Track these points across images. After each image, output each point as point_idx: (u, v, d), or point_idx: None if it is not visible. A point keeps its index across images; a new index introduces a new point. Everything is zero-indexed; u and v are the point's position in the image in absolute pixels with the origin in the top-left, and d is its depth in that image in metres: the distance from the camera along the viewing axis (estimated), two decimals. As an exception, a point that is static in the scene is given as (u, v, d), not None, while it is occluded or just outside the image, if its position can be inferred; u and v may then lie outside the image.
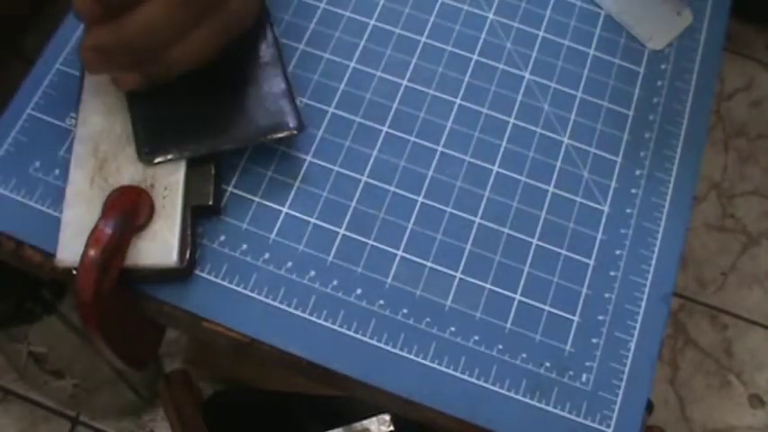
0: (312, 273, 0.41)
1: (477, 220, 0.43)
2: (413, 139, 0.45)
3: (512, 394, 0.40)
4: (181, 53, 0.37)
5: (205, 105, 0.41)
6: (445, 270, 0.42)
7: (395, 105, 0.45)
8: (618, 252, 0.43)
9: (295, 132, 0.41)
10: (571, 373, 0.41)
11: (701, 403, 1.03)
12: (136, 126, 0.40)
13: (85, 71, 0.41)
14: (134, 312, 0.42)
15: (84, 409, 0.94)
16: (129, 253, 0.38)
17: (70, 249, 0.38)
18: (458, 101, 0.46)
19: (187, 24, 0.37)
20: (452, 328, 0.41)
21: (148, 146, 0.40)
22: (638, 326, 0.42)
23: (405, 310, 0.41)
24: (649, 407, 0.41)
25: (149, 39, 0.36)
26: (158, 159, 0.40)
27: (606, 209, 0.44)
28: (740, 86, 1.20)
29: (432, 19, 0.48)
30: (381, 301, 0.41)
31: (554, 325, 0.41)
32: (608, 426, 0.40)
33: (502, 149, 0.45)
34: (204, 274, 0.41)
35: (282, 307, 0.41)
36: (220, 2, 0.37)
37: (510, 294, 0.42)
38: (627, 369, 0.41)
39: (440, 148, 0.44)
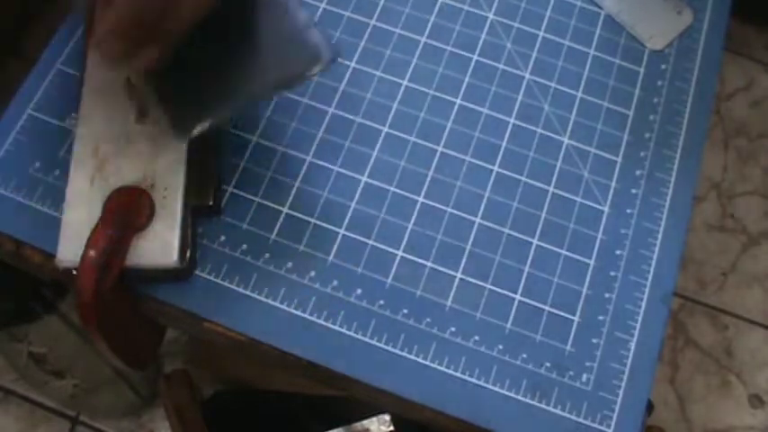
0: (312, 273, 0.41)
1: (477, 220, 0.43)
2: (413, 139, 0.45)
3: (512, 394, 0.40)
4: (188, 4, 0.35)
5: (233, 63, 0.39)
6: (445, 270, 0.42)
7: (395, 105, 0.45)
8: (618, 252, 0.43)
9: (330, 62, 0.37)
10: (571, 373, 0.41)
11: (700, 403, 1.03)
12: (167, 106, 0.39)
13: (107, 65, 0.38)
14: (134, 312, 0.42)
15: (84, 409, 0.94)
16: (130, 253, 0.38)
17: (70, 249, 0.38)
18: (458, 101, 0.46)
19: None
20: (452, 329, 0.41)
21: (184, 120, 0.38)
22: (638, 326, 0.42)
23: (405, 311, 0.41)
24: (649, 407, 0.41)
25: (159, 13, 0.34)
26: (197, 129, 0.38)
27: (606, 209, 0.44)
28: (740, 86, 1.20)
29: (432, 19, 0.48)
30: (381, 302, 0.41)
31: (554, 325, 0.41)
32: (608, 426, 0.40)
33: (502, 149, 0.45)
34: (204, 274, 0.41)
35: (282, 307, 0.41)
36: None
37: (510, 294, 0.42)
38: (627, 369, 0.41)
39: (440, 149, 0.44)
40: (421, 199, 0.43)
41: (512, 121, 0.46)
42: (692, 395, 1.03)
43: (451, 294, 0.42)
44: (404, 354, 0.40)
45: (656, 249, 0.43)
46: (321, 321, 0.41)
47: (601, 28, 0.49)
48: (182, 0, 0.35)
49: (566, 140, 0.45)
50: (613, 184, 0.45)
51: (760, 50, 1.22)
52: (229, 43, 0.39)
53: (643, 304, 0.42)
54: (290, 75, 0.38)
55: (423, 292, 0.41)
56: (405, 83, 0.46)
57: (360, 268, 0.42)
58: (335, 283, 0.41)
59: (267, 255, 0.42)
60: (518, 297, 0.42)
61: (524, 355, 0.41)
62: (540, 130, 0.45)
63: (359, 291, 0.41)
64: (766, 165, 1.16)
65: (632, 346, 0.41)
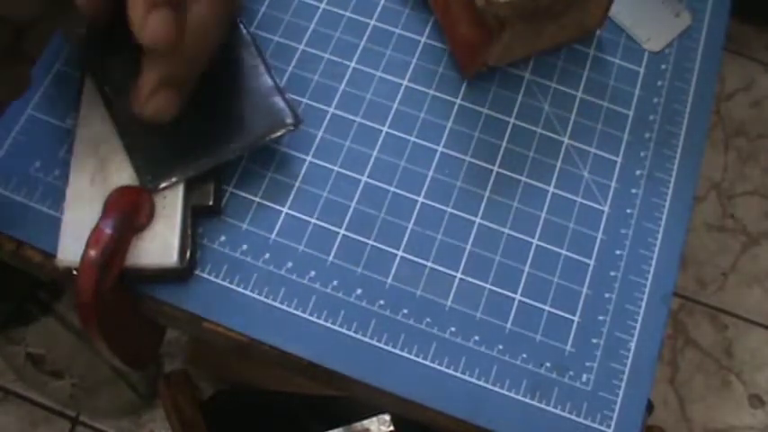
0: (312, 273, 0.41)
1: (478, 220, 0.43)
2: (413, 139, 0.45)
3: (512, 394, 0.40)
4: (208, 46, 0.36)
5: (198, 122, 0.40)
6: (445, 270, 0.42)
7: (395, 105, 0.45)
8: (618, 252, 0.43)
9: (292, 128, 0.40)
10: (571, 373, 0.41)
11: (700, 403, 1.03)
12: (133, 157, 0.40)
13: (150, 119, 0.38)
14: (134, 312, 0.42)
15: (84, 409, 0.94)
16: (130, 253, 0.38)
17: (71, 249, 0.38)
18: (458, 101, 0.46)
19: (220, 18, 0.35)
20: (453, 329, 0.41)
21: (150, 174, 0.39)
22: (638, 326, 0.42)
23: (405, 311, 0.41)
24: (649, 407, 0.41)
25: (209, 39, 0.35)
26: (163, 185, 0.39)
27: (606, 209, 0.44)
28: (740, 86, 1.20)
29: (431, 19, 0.48)
30: (381, 302, 0.41)
31: (554, 325, 0.41)
32: (608, 426, 0.40)
33: (502, 149, 0.45)
34: (204, 275, 0.41)
35: (282, 307, 0.41)
36: None
37: (510, 294, 0.42)
38: (627, 369, 0.41)
39: (440, 149, 0.44)
40: (421, 199, 0.43)
41: (512, 121, 0.46)
42: (691, 395, 1.03)
43: (451, 294, 0.42)
44: (404, 354, 0.40)
45: (656, 249, 0.43)
46: (321, 321, 0.41)
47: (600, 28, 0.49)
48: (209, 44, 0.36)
49: (566, 140, 0.45)
50: (613, 184, 0.45)
51: (760, 50, 1.23)
52: (200, 102, 0.40)
53: (643, 304, 0.42)
54: (254, 138, 0.40)
55: (423, 292, 0.41)
56: (405, 83, 0.46)
57: (360, 268, 0.42)
58: (335, 283, 0.41)
59: (267, 255, 0.42)
60: (518, 297, 0.42)
61: (524, 355, 0.41)
62: (540, 131, 0.45)
63: (359, 291, 0.41)
64: (766, 165, 1.16)
65: (632, 346, 0.41)
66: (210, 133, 0.40)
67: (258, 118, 0.40)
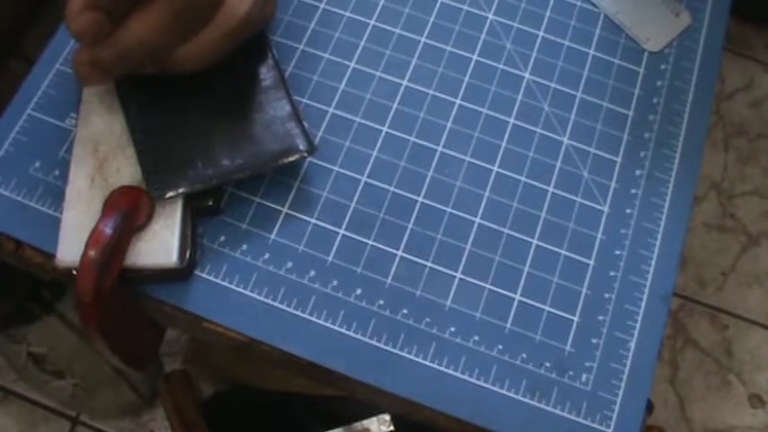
0: (312, 273, 0.41)
1: (477, 220, 0.43)
2: (413, 139, 0.45)
3: (512, 394, 0.40)
4: (187, 54, 0.37)
5: (212, 136, 0.40)
6: (445, 270, 0.42)
7: (395, 105, 0.45)
8: (618, 252, 0.43)
9: (305, 155, 0.40)
10: (571, 373, 0.41)
11: (701, 403, 1.03)
12: (144, 162, 0.40)
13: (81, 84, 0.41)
14: (134, 312, 0.42)
15: (84, 409, 0.94)
16: (129, 253, 0.38)
17: (70, 249, 0.38)
18: (458, 101, 0.46)
19: (186, 31, 0.37)
20: (452, 329, 0.41)
21: (158, 182, 0.39)
22: (638, 326, 0.42)
23: (405, 311, 0.41)
24: (649, 407, 0.41)
25: (146, 49, 0.36)
26: (169, 194, 0.39)
27: (606, 209, 0.44)
28: (740, 86, 1.20)
29: (432, 19, 0.48)
30: (381, 301, 0.41)
31: (554, 325, 0.41)
32: (608, 426, 0.40)
33: (502, 149, 0.45)
34: (204, 275, 0.41)
35: (282, 307, 0.41)
36: (216, 6, 0.37)
37: (510, 294, 0.42)
38: (627, 369, 0.41)
39: (440, 148, 0.45)
40: (421, 199, 0.43)
41: (511, 121, 0.46)
42: (691, 395, 1.03)
43: (451, 294, 0.42)
44: (404, 354, 0.40)
45: (656, 249, 0.43)
46: (321, 321, 0.41)
47: (600, 28, 0.49)
48: (176, 50, 0.37)
49: (565, 140, 0.45)
50: (613, 184, 0.45)
51: (760, 50, 1.23)
52: (213, 119, 0.41)
53: (643, 304, 0.42)
54: (265, 161, 0.40)
55: (422, 292, 0.41)
56: (405, 83, 0.46)
57: (359, 268, 0.42)
58: (335, 283, 0.41)
59: (267, 255, 0.42)
60: (518, 297, 0.42)
61: (524, 355, 0.41)
62: (539, 131, 0.45)
63: (359, 291, 0.41)
64: (766, 165, 1.16)
65: (632, 346, 0.41)
66: (224, 151, 0.40)
67: (272, 141, 0.40)
